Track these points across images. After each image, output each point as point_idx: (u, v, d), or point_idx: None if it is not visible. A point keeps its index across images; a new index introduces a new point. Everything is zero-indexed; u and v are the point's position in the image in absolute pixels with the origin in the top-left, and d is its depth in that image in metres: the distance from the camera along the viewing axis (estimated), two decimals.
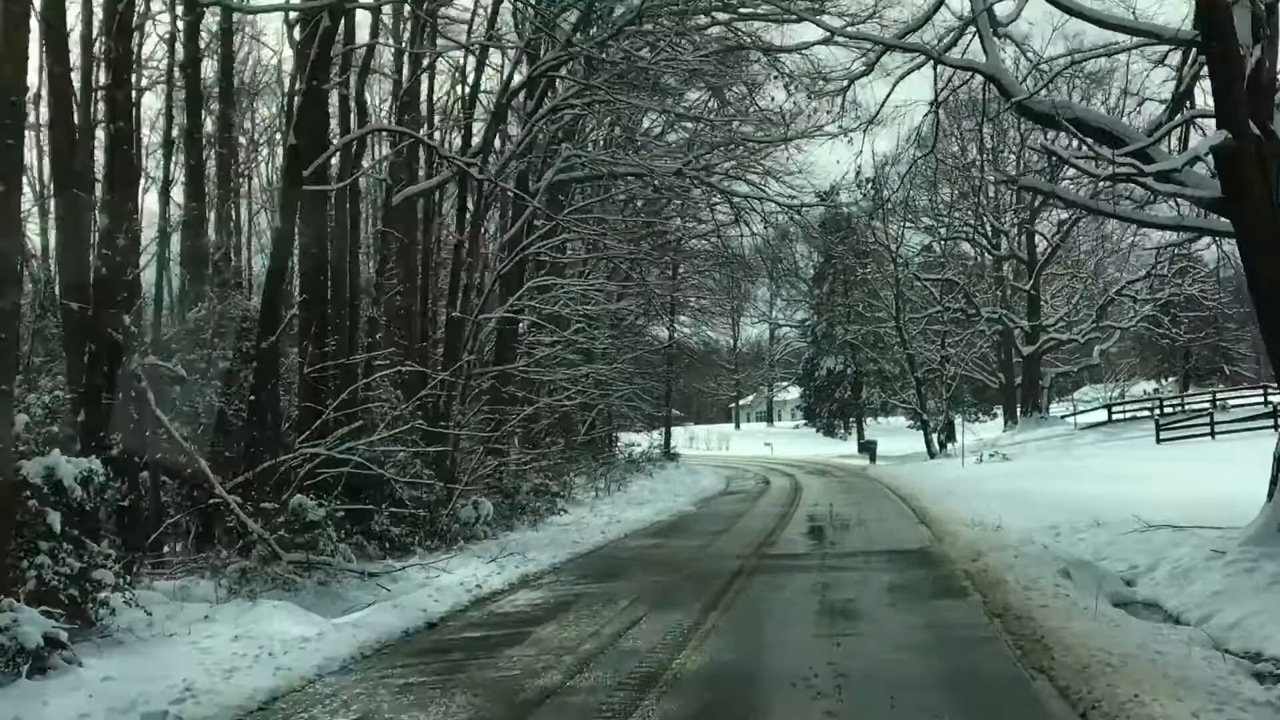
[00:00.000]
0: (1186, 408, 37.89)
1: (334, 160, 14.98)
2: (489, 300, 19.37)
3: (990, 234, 41.91)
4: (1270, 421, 25.19)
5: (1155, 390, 47.33)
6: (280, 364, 13.23)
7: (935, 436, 37.96)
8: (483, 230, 20.76)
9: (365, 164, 18.83)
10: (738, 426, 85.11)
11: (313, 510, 10.57)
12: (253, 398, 12.18)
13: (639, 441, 37.27)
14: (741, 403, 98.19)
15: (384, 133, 19.31)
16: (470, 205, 18.93)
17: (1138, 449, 29.07)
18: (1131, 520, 12.95)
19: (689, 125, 25.37)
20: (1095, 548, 12.39)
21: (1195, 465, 20.77)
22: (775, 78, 16.82)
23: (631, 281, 28.37)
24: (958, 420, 38.72)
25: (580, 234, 24.17)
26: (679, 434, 77.19)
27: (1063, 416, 41.50)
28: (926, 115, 13.69)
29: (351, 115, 16.76)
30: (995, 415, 49.66)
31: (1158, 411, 37.41)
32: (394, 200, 17.25)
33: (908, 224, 41.46)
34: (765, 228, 27.65)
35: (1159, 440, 29.56)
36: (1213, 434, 28.73)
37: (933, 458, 36.87)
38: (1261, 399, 32.31)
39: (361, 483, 12.62)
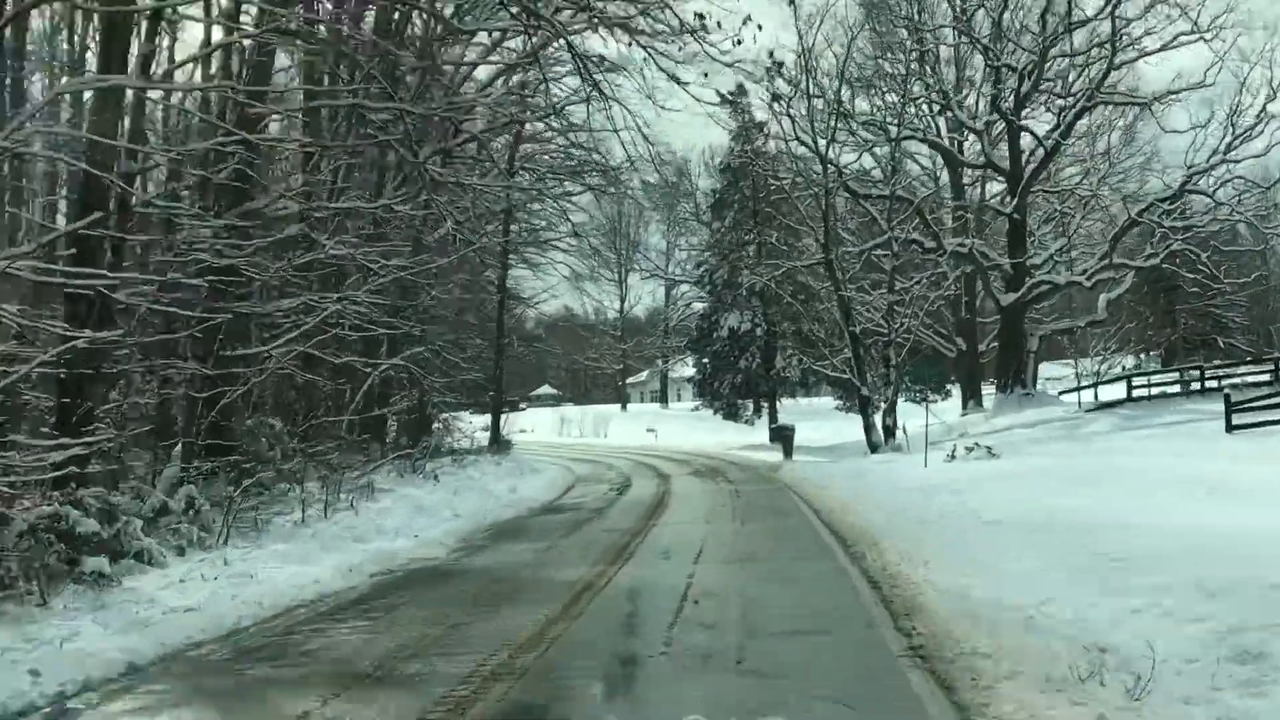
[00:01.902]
0: (1223, 383, 30.73)
1: None
2: None
3: (956, 130, 36.33)
4: None
5: (1136, 367, 43.29)
6: None
7: (880, 421, 31.30)
8: None
9: None
10: (624, 408, 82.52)
11: None
12: None
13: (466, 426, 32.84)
14: (633, 379, 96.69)
15: None
16: None
17: (1202, 439, 21.26)
18: None
19: None
20: None
21: None
22: None
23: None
24: (902, 399, 33.27)
25: None
26: (540, 416, 74.60)
27: (1061, 393, 33.97)
28: None
29: None
30: (949, 393, 44.91)
31: (1194, 386, 29.75)
32: None
33: (843, 125, 33.16)
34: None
35: (1230, 427, 21.46)
36: None
37: (875, 451, 30.51)
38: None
39: None
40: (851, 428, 42.53)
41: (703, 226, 59.89)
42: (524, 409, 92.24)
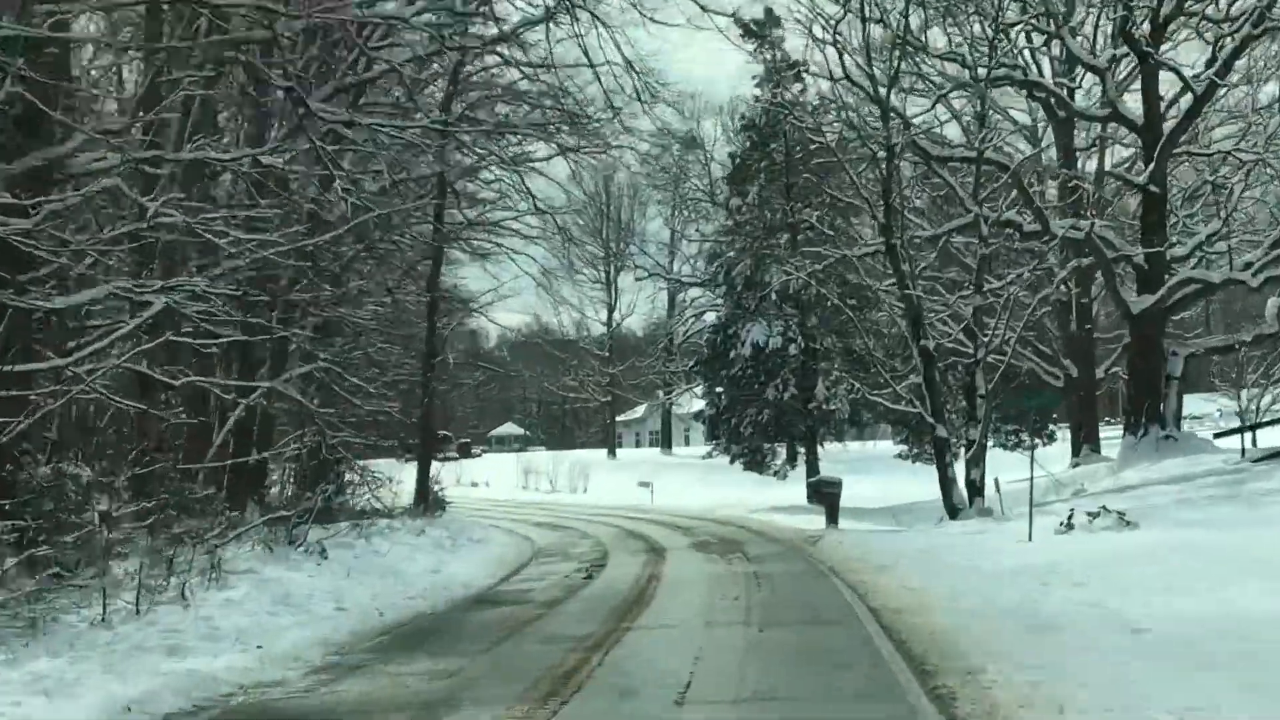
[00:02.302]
0: None
1: None
2: None
3: (1067, 71, 36.14)
4: None
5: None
6: None
7: (961, 473, 30.25)
8: None
9: None
10: (612, 454, 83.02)
11: None
12: None
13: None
14: (625, 416, 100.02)
15: None
16: None
17: None
18: None
19: None
20: None
21: None
22: None
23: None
24: (991, 443, 33.00)
25: None
26: (501, 464, 76.08)
27: (1216, 436, 32.59)
28: None
29: None
30: (1052, 436, 47.65)
31: None
32: None
33: (910, 66, 34.02)
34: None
35: None
36: None
37: (955, 515, 29.15)
38: None
39: None
40: (919, 482, 43.45)
41: (718, 209, 58.76)
42: (478, 455, 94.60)
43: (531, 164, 36.21)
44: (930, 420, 30.36)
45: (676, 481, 59.04)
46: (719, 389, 48.09)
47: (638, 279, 79.81)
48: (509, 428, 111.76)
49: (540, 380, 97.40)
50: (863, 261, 34.53)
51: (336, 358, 28.31)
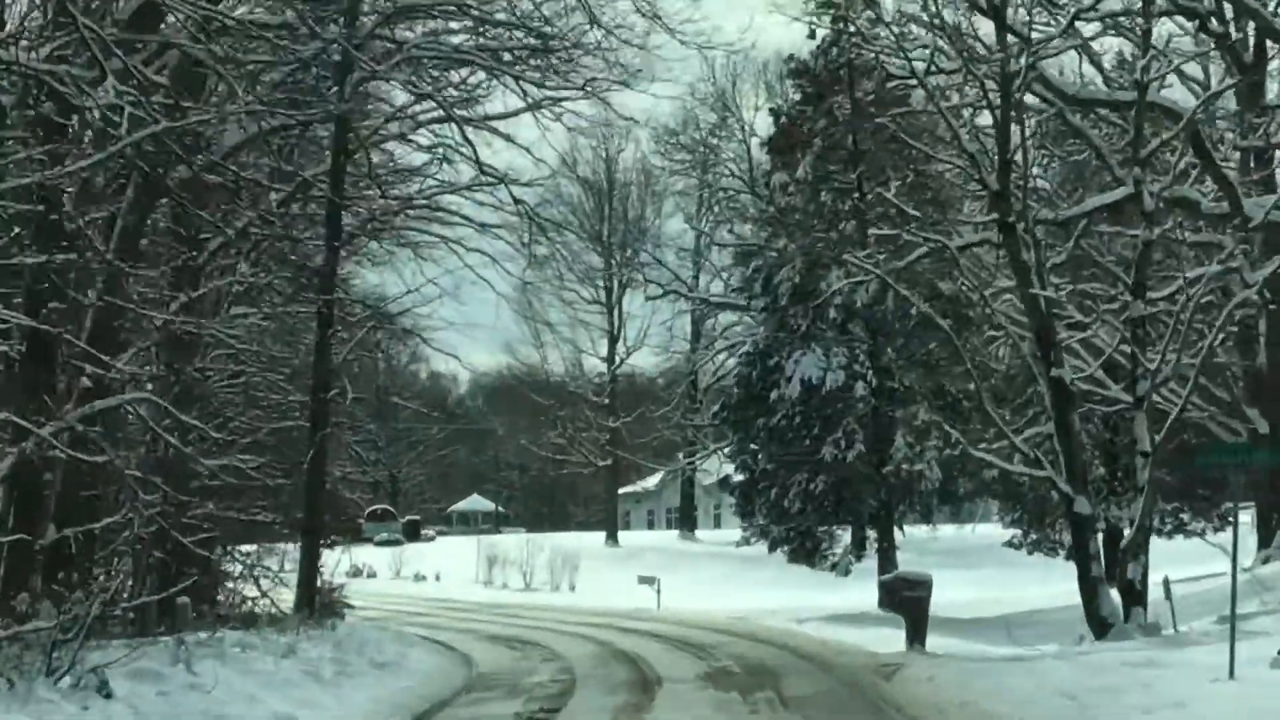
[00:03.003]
0: None
1: None
2: None
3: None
4: None
5: None
6: None
7: (1128, 572, 28.26)
8: None
9: None
10: (612, 538, 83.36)
11: None
12: None
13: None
14: (633, 488, 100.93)
15: None
16: None
17: None
18: None
19: None
20: None
21: None
22: None
23: None
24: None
25: None
26: (458, 550, 75.46)
27: None
28: None
29: None
30: (1226, 516, 45.49)
31: None
32: None
33: None
34: None
35: None
36: None
37: (1104, 631, 27.45)
38: None
39: None
40: (1039, 581, 44.85)
41: (756, 199, 56.63)
42: (430, 538, 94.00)
43: (482, 122, 35.62)
44: (1064, 489, 28.08)
45: (697, 577, 59.62)
46: (754, 445, 45.95)
47: (650, 298, 78.83)
48: (475, 501, 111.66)
49: (519, 438, 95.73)
50: (965, 256, 32.62)
51: (179, 387, 27.75)
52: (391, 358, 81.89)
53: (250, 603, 32.72)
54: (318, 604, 33.99)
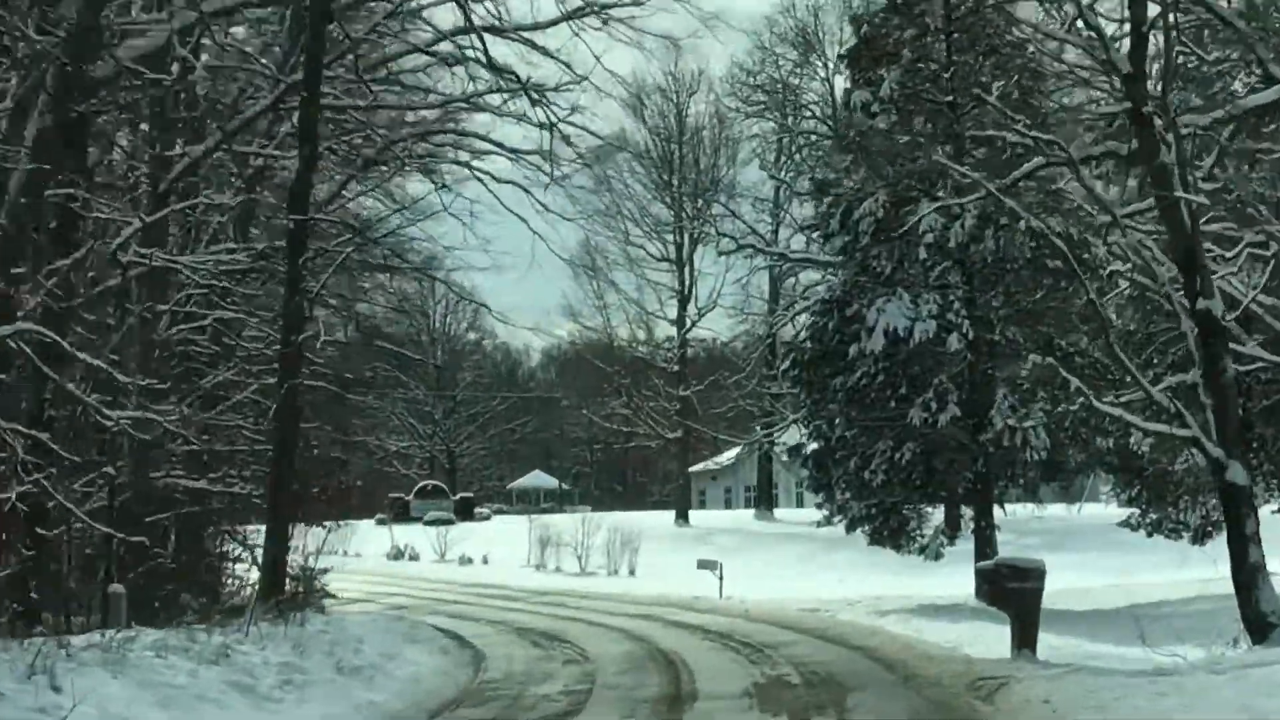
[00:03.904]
0: None
1: None
2: None
3: None
4: None
5: None
6: None
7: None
8: None
9: None
10: (683, 518, 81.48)
11: None
12: None
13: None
14: (708, 465, 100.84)
15: None
16: None
17: None
18: None
19: None
20: None
21: None
22: None
23: None
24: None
25: None
26: (513, 530, 73.07)
27: None
28: None
29: None
30: None
31: None
32: None
33: None
34: None
35: None
36: None
37: (1266, 636, 23.62)
38: None
39: None
40: (1159, 565, 45.38)
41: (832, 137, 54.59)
42: (485, 517, 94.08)
43: (513, 32, 33.99)
44: (1213, 453, 23.69)
45: (770, 561, 59.33)
46: (830, 408, 42.05)
47: (722, 253, 75.47)
48: (537, 478, 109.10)
49: (586, 410, 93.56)
50: (1087, 170, 28.76)
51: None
52: (424, 313, 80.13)
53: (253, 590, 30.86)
54: (288, 596, 30.13)
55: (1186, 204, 22.26)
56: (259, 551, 31.11)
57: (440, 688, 25.04)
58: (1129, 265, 28.70)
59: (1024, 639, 24.94)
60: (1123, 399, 26.32)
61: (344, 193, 38.26)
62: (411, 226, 40.06)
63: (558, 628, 36.69)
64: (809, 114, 75.16)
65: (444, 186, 37.86)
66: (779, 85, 75.22)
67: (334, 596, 33.46)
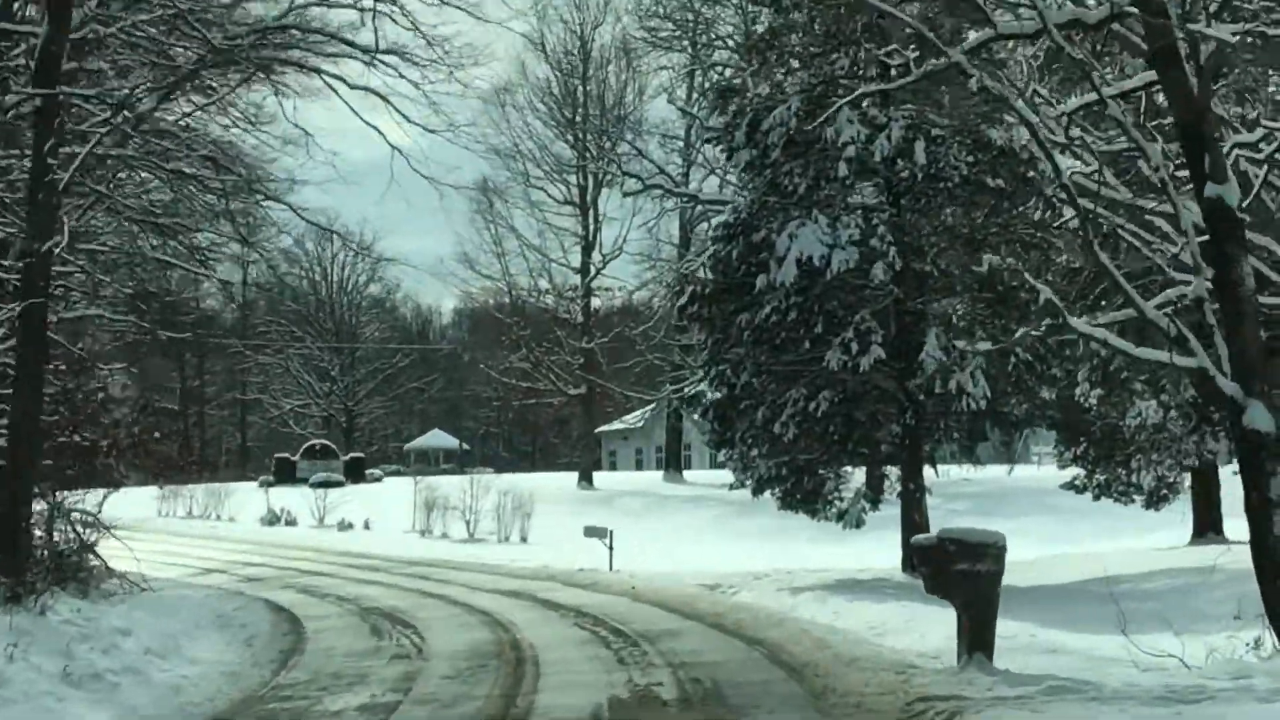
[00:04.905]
0: None
1: None
2: None
3: None
4: None
5: None
6: None
7: None
8: None
9: None
10: (585, 479, 79.24)
11: None
12: None
13: None
14: (617, 424, 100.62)
15: None
16: None
17: None
18: None
19: None
20: None
21: None
22: None
23: None
24: None
25: None
26: (399, 491, 71.74)
27: None
28: None
29: None
30: None
31: None
32: None
33: None
34: None
35: None
36: None
37: None
38: None
39: None
40: (1113, 532, 44.54)
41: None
42: (377, 478, 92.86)
43: None
44: (1228, 389, 19.03)
45: (675, 526, 58.34)
46: (736, 349, 37.29)
47: (628, 193, 74.39)
48: (436, 437, 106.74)
49: (482, 366, 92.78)
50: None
51: None
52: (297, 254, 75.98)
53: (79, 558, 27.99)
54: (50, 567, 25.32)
55: (1193, 51, 16.92)
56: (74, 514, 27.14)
57: (209, 697, 20.75)
58: (1093, 169, 24.11)
59: (976, 640, 19.48)
60: (1122, 316, 21.33)
61: (175, 107, 33.75)
62: (244, 134, 35.95)
63: (411, 607, 32.82)
64: (722, 45, 71.58)
65: (283, 93, 33.22)
66: (690, 14, 71.99)
67: (114, 572, 28.43)
